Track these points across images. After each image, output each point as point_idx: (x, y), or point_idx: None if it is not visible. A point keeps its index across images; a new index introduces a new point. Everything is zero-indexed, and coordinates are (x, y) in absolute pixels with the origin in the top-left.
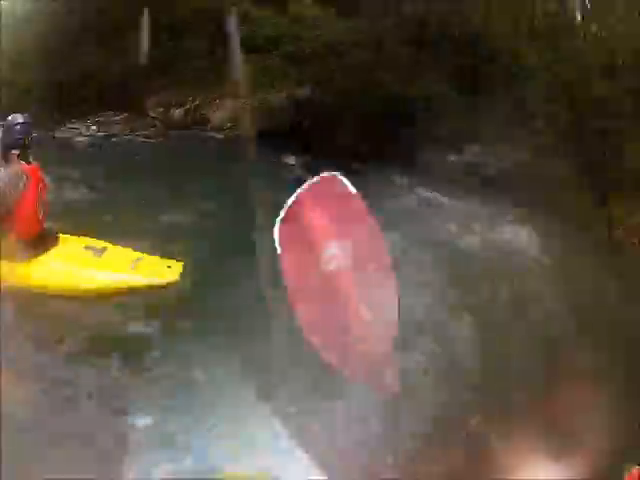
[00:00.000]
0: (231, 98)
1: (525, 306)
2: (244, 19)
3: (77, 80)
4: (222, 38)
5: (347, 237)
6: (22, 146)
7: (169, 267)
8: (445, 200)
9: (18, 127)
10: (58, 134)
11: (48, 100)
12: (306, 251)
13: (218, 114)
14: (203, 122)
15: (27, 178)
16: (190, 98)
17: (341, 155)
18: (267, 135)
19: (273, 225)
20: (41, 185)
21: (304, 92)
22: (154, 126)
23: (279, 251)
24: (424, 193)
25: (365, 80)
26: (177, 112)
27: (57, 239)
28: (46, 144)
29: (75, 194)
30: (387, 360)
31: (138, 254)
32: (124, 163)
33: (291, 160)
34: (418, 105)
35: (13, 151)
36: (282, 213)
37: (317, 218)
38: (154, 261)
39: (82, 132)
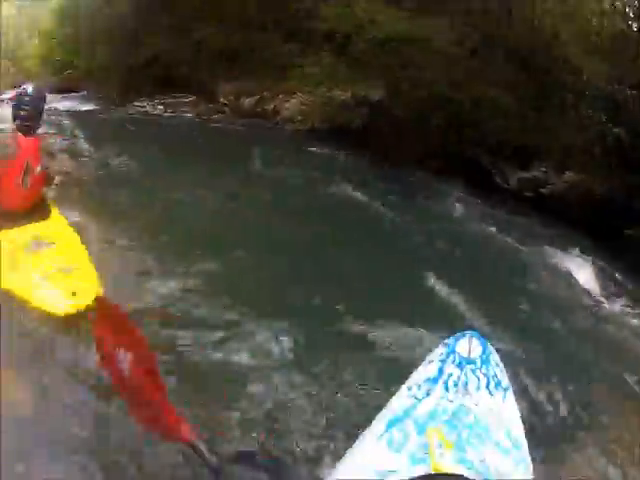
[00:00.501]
0: (301, 92)
1: None
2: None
3: (147, 61)
4: (294, 31)
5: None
6: (24, 117)
7: (74, 294)
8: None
9: (26, 98)
10: (124, 111)
11: (119, 78)
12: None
13: (288, 106)
14: (273, 114)
15: (17, 149)
16: (261, 89)
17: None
18: (337, 131)
19: None
20: (31, 158)
21: (376, 94)
22: (223, 112)
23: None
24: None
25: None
26: (247, 101)
27: (46, 216)
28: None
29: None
30: None
31: (78, 261)
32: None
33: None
34: (485, 117)
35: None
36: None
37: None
38: (81, 276)
39: (148, 111)
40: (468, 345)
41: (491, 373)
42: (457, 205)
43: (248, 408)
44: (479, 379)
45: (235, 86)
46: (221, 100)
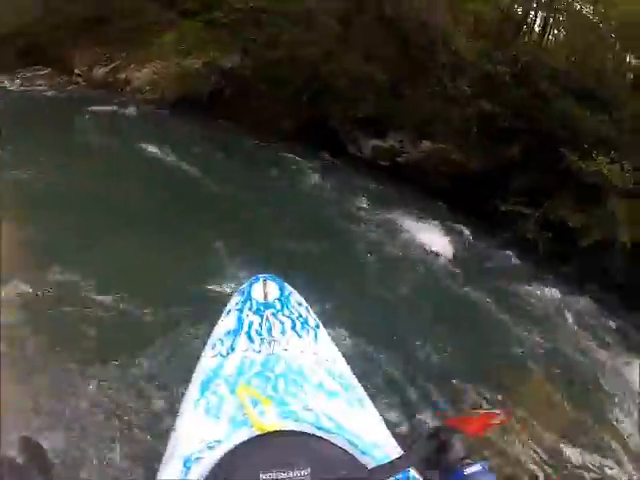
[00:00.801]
0: (157, 61)
1: None
2: None
3: (8, 33)
4: None
5: None
6: None
7: None
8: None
9: None
10: None
11: None
12: None
13: (139, 76)
14: (125, 83)
15: None
16: (116, 58)
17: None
18: (185, 101)
19: None
20: None
21: (228, 61)
22: (77, 83)
23: None
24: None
25: (290, 54)
26: (100, 71)
27: None
28: None
29: None
30: None
31: None
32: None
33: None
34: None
35: None
36: None
37: None
38: None
39: (6, 86)
40: (263, 289)
41: (295, 315)
42: (308, 173)
43: None
44: (283, 323)
45: (90, 55)
46: (75, 71)
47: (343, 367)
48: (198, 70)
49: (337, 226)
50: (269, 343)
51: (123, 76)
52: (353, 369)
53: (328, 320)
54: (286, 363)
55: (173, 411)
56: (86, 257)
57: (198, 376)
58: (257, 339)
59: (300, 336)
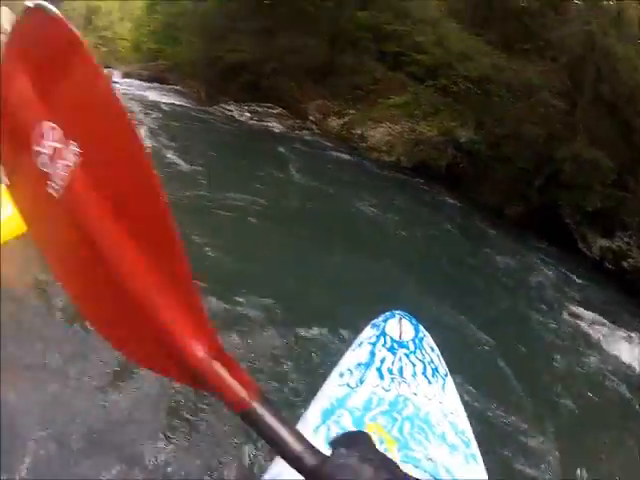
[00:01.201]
0: (389, 122)
1: None
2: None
3: (233, 63)
4: (386, 56)
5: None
6: None
7: None
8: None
9: None
10: (213, 111)
11: (206, 76)
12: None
13: (374, 134)
14: (360, 140)
15: None
16: (349, 111)
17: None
18: (420, 168)
19: None
20: None
21: (463, 133)
22: (309, 129)
23: (6, 182)
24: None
25: (516, 131)
26: (335, 123)
27: None
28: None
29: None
30: None
31: None
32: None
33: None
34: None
35: None
36: None
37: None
38: None
39: (235, 116)
40: (399, 326)
41: (427, 359)
42: (532, 259)
43: None
44: (414, 365)
45: (323, 104)
46: (310, 118)
47: (465, 421)
48: (434, 140)
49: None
50: (399, 383)
51: (358, 132)
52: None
53: None
54: (415, 407)
55: None
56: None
57: (320, 402)
58: (388, 377)
59: (430, 382)
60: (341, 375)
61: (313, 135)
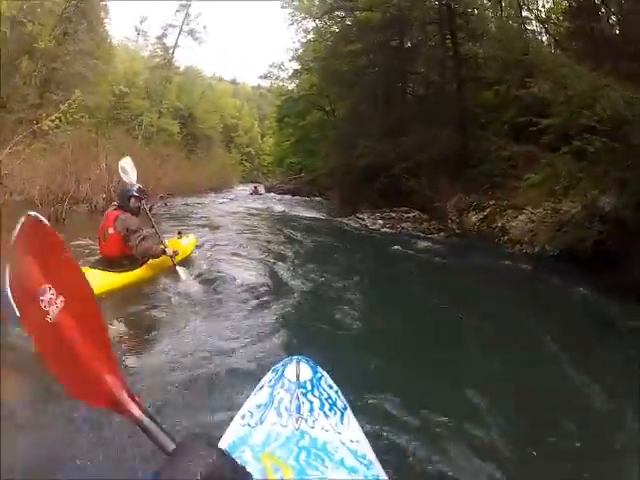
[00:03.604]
0: (529, 207)
1: None
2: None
3: (369, 172)
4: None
5: (57, 282)
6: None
7: None
8: None
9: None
10: (347, 221)
11: (340, 185)
12: (34, 304)
13: (515, 225)
14: (501, 233)
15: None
16: (488, 203)
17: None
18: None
19: None
20: (106, 224)
21: (607, 200)
22: (444, 229)
23: (18, 314)
24: None
25: None
26: (474, 217)
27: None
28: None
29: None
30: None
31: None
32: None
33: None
34: None
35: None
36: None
37: (32, 267)
38: None
39: (367, 224)
40: (296, 369)
41: (324, 395)
42: None
43: None
44: (312, 402)
45: (459, 200)
46: (449, 216)
47: (367, 448)
48: (578, 217)
49: None
50: (296, 420)
51: (499, 224)
52: None
53: None
54: (310, 438)
55: None
56: None
57: (225, 441)
58: (285, 414)
59: (327, 416)
60: (243, 417)
61: (449, 237)
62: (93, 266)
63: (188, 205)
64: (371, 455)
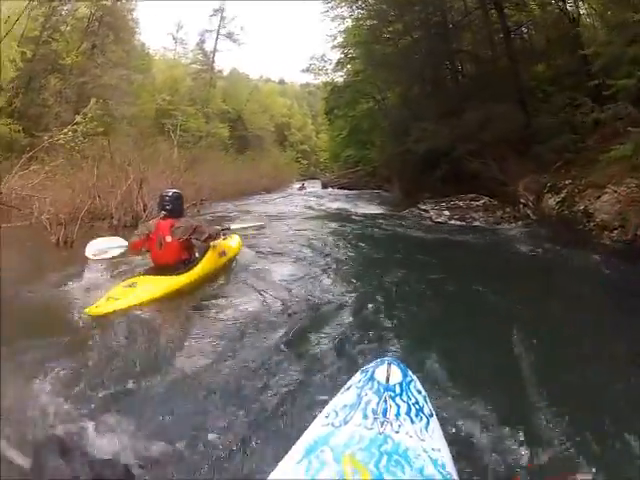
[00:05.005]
0: (608, 185)
1: None
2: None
3: (428, 157)
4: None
5: None
6: (163, 209)
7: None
8: None
9: (166, 198)
10: (409, 214)
11: (405, 176)
12: None
13: (599, 207)
14: (585, 217)
15: (155, 227)
16: (564, 182)
17: None
18: None
19: None
20: (160, 233)
21: None
22: (520, 217)
23: None
24: None
25: None
26: (552, 199)
27: (174, 273)
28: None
29: None
30: None
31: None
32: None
33: None
34: None
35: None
36: None
37: None
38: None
39: (432, 217)
40: (387, 372)
41: (412, 400)
42: None
43: None
44: (399, 406)
45: (532, 180)
46: (521, 201)
47: (448, 458)
48: None
49: None
50: (382, 423)
51: (581, 207)
52: None
53: None
54: (393, 443)
55: None
56: None
57: (305, 440)
58: (371, 417)
59: (413, 422)
60: (327, 416)
61: (528, 225)
62: (147, 273)
63: (235, 207)
64: (450, 466)
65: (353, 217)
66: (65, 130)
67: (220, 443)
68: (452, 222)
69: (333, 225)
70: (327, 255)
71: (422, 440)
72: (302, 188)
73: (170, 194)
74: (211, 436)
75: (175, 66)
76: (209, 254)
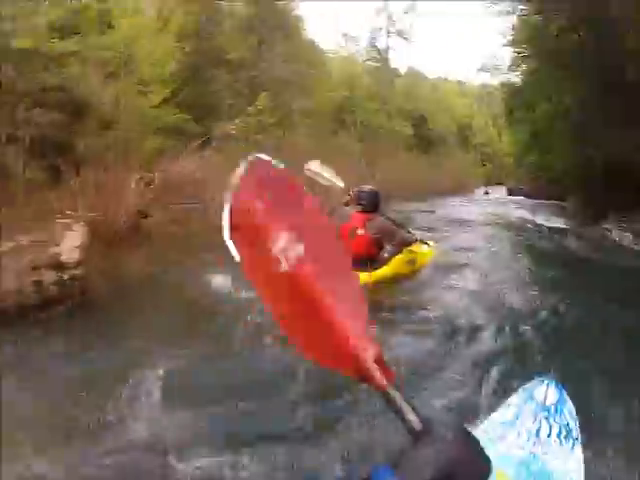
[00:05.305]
0: None
1: None
2: None
3: (614, 168)
4: None
5: (295, 226)
6: (359, 203)
7: None
8: None
9: (362, 194)
10: (590, 232)
11: (589, 188)
12: (260, 249)
13: None
14: None
15: (350, 219)
16: None
17: None
18: None
19: None
20: (354, 225)
21: None
22: None
23: (237, 259)
24: None
25: None
26: None
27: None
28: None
29: None
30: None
31: None
32: None
33: None
34: None
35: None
36: (226, 213)
37: (260, 209)
38: None
39: (614, 238)
40: (545, 392)
41: (564, 422)
42: None
43: None
44: (551, 427)
45: None
46: None
47: None
48: None
49: None
50: (534, 443)
51: None
52: None
53: None
54: (541, 464)
55: None
56: None
57: None
58: (525, 436)
59: (561, 444)
60: (485, 431)
61: None
62: None
63: (418, 208)
64: None
65: (530, 228)
66: (237, 121)
67: None
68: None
69: (511, 235)
70: (507, 268)
71: (565, 464)
72: (486, 193)
73: (366, 190)
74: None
75: (350, 63)
76: (398, 258)
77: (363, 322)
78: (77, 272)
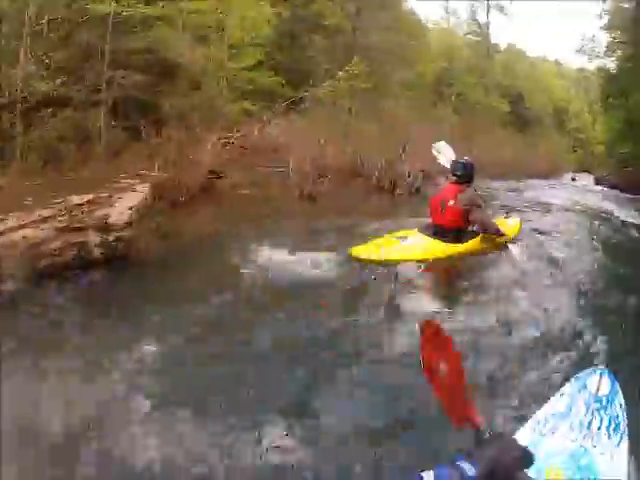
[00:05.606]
0: None
1: None
2: None
3: None
4: None
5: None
6: (453, 174)
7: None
8: None
9: (458, 165)
10: None
11: None
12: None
13: None
14: None
15: (442, 189)
16: None
17: None
18: None
19: None
20: (445, 195)
21: None
22: None
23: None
24: None
25: None
26: None
27: (453, 241)
28: None
29: None
30: None
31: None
32: None
33: None
34: None
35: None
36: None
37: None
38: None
39: None
40: (598, 382)
41: (614, 414)
42: None
43: None
44: (602, 419)
45: None
46: None
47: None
48: None
49: None
50: (584, 436)
51: None
52: None
53: None
54: (590, 459)
55: None
56: None
57: None
58: (577, 429)
59: (610, 437)
60: (537, 423)
61: None
62: (422, 231)
63: (509, 187)
64: None
65: (615, 222)
66: (325, 84)
67: None
68: None
69: (595, 227)
70: (584, 258)
71: (611, 458)
72: (573, 179)
73: (463, 160)
74: None
75: (449, 35)
76: (484, 235)
77: (470, 395)
78: (124, 234)
